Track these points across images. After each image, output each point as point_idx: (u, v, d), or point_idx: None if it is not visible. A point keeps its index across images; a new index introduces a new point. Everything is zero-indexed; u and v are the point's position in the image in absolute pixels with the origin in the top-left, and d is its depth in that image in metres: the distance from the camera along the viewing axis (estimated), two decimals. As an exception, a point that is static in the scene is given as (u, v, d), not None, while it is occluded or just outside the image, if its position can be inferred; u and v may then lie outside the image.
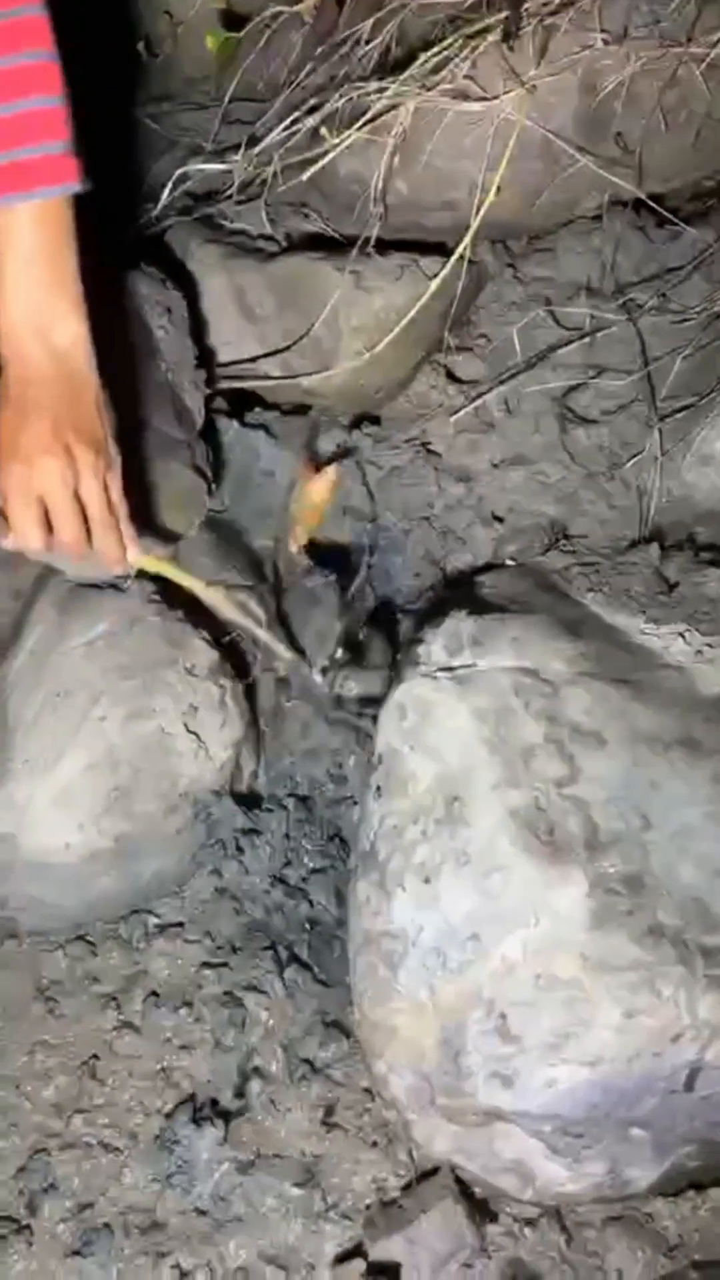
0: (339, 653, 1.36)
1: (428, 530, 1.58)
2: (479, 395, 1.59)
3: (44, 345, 0.99)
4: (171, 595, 1.30)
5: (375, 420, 1.68)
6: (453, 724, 1.11)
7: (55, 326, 0.99)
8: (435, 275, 1.51)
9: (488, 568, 1.48)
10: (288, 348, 1.57)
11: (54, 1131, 1.13)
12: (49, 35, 0.95)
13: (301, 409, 1.66)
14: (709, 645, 1.23)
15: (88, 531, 1.05)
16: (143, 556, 1.13)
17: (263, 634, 1.31)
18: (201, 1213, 1.07)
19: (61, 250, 0.99)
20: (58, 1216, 1.07)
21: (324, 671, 1.35)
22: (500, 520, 1.54)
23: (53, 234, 0.98)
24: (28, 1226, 1.07)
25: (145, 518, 1.29)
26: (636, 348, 1.55)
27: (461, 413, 1.58)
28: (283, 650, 1.32)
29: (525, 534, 1.51)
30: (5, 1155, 1.11)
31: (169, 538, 1.34)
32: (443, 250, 1.58)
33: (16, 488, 1.00)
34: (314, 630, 1.40)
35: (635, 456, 1.50)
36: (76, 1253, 1.05)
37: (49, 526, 1.03)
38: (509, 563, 1.45)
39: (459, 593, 1.40)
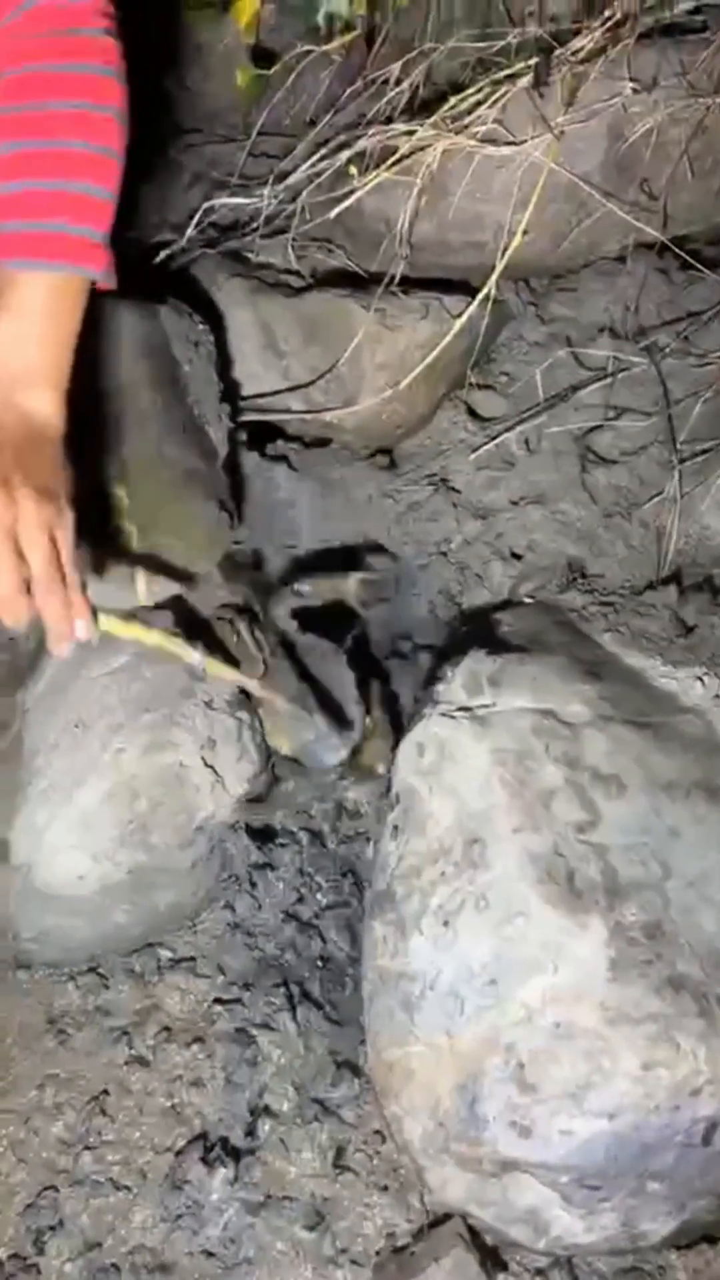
0: (364, 723, 1.33)
1: (445, 566, 1.59)
2: (500, 433, 1.60)
3: (8, 401, 0.95)
4: (192, 628, 1.30)
5: (396, 455, 1.69)
6: (472, 765, 1.11)
7: (29, 388, 0.96)
8: (459, 314, 1.52)
9: (505, 605, 1.48)
10: (312, 383, 1.58)
11: (62, 1168, 1.12)
12: (122, 140, 0.99)
13: (322, 442, 1.67)
14: (727, 689, 1.23)
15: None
16: (93, 626, 0.96)
17: (258, 690, 1.23)
18: (210, 1254, 1.06)
19: (63, 324, 0.98)
20: (65, 1255, 1.06)
21: (353, 750, 1.32)
22: (518, 558, 1.55)
23: (61, 306, 0.98)
24: (35, 1265, 1.06)
25: (155, 561, 1.26)
26: (657, 390, 1.56)
27: (482, 450, 1.59)
28: (284, 705, 1.25)
29: (543, 572, 1.51)
30: (13, 1191, 1.11)
31: (184, 577, 1.32)
32: (466, 288, 1.60)
33: None
34: (335, 700, 1.34)
35: (654, 498, 1.51)
36: (83, 1293, 1.04)
37: None
38: (527, 601, 1.45)
39: (477, 630, 1.40)
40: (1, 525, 0.89)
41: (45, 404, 0.97)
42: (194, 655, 1.13)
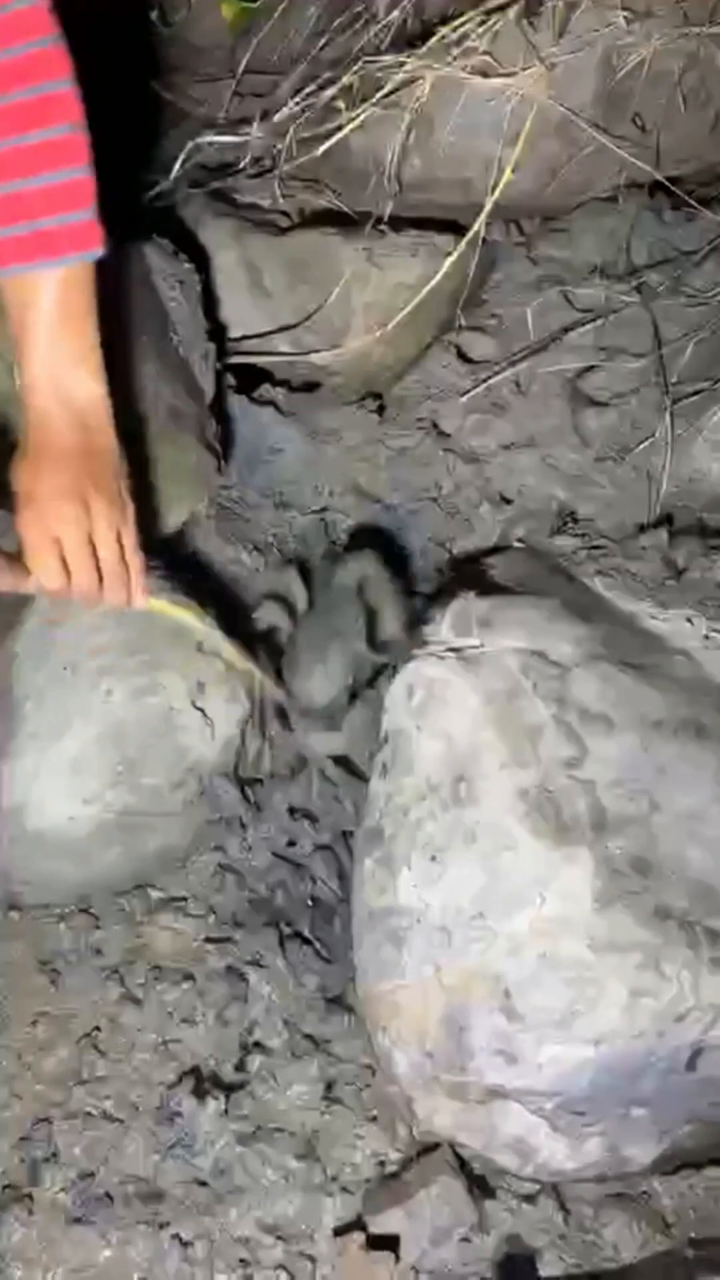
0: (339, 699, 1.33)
1: (436, 511, 1.58)
2: (490, 376, 1.58)
3: (63, 403, 1.03)
4: (183, 570, 1.30)
5: (385, 399, 1.67)
6: (461, 704, 1.11)
7: (75, 386, 1.03)
8: (449, 253, 1.50)
9: (496, 549, 1.47)
10: (299, 324, 1.56)
11: (56, 1101, 1.13)
12: (77, 107, 0.99)
13: (311, 385, 1.65)
14: (717, 631, 1.23)
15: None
16: (150, 602, 1.14)
17: (259, 674, 1.29)
18: (202, 1184, 1.08)
19: (82, 312, 1.02)
20: (58, 1185, 1.08)
21: (321, 713, 1.32)
22: (509, 502, 1.54)
23: (75, 297, 1.01)
24: (29, 1195, 1.07)
25: (143, 503, 1.26)
26: (649, 331, 1.55)
27: (472, 393, 1.58)
28: (276, 690, 1.31)
29: (534, 516, 1.51)
30: (7, 1124, 1.12)
31: (174, 519, 1.32)
32: (456, 228, 1.57)
33: (33, 531, 1.03)
34: (334, 664, 1.33)
35: (646, 440, 1.49)
36: (77, 1221, 1.05)
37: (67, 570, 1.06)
38: (517, 545, 1.45)
39: (467, 574, 1.39)
40: (81, 532, 1.03)
41: (91, 398, 1.04)
42: (226, 646, 1.25)
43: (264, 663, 1.31)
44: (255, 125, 1.65)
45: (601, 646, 1.18)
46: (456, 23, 1.47)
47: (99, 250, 1.01)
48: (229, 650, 1.26)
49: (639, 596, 1.30)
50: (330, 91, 1.57)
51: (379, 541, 1.51)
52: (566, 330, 1.57)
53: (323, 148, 1.54)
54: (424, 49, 1.48)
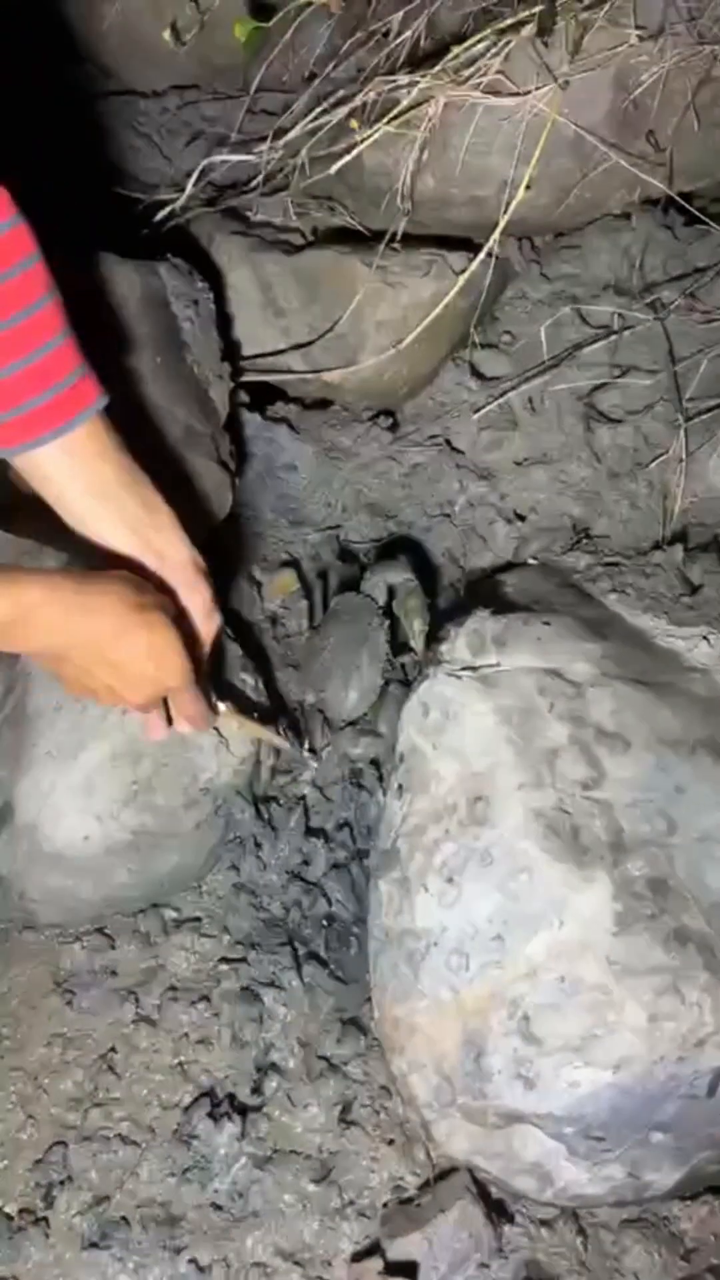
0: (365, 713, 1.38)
1: (449, 528, 1.58)
2: (503, 393, 1.58)
3: (126, 538, 1.01)
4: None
5: (398, 416, 1.67)
6: (476, 723, 1.11)
7: (130, 520, 1.01)
8: (462, 271, 1.50)
9: (509, 566, 1.47)
10: (312, 342, 1.56)
11: (71, 1124, 1.13)
12: (47, 276, 0.94)
13: (324, 403, 1.65)
14: (733, 648, 1.23)
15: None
16: (217, 717, 1.15)
17: (291, 751, 1.34)
18: (218, 1208, 1.07)
19: (104, 456, 0.98)
20: (74, 1209, 1.07)
21: (351, 725, 1.37)
22: (522, 519, 1.54)
23: (91, 448, 0.97)
24: (44, 1219, 1.07)
25: None
26: (663, 347, 1.54)
27: (485, 410, 1.58)
28: (304, 756, 1.35)
29: (547, 533, 1.50)
30: (23, 1147, 1.11)
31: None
32: (469, 246, 1.57)
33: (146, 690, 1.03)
34: (368, 675, 1.39)
35: (660, 457, 1.49)
36: (93, 1245, 1.05)
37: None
38: (531, 562, 1.44)
39: (481, 591, 1.39)
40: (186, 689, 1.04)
41: (150, 519, 1.02)
42: (283, 742, 1.29)
43: (292, 739, 1.33)
44: (268, 143, 1.65)
45: (616, 665, 1.18)
46: (469, 42, 1.47)
47: (100, 401, 0.97)
48: (269, 736, 1.27)
49: (654, 614, 1.30)
50: (343, 110, 1.57)
51: (405, 552, 1.54)
52: (579, 347, 1.57)
53: (336, 166, 1.54)
54: (437, 68, 1.48)
